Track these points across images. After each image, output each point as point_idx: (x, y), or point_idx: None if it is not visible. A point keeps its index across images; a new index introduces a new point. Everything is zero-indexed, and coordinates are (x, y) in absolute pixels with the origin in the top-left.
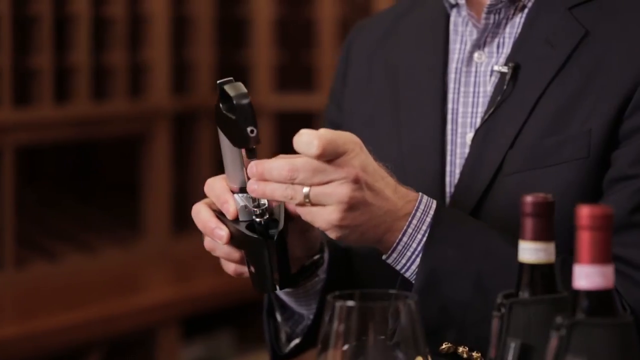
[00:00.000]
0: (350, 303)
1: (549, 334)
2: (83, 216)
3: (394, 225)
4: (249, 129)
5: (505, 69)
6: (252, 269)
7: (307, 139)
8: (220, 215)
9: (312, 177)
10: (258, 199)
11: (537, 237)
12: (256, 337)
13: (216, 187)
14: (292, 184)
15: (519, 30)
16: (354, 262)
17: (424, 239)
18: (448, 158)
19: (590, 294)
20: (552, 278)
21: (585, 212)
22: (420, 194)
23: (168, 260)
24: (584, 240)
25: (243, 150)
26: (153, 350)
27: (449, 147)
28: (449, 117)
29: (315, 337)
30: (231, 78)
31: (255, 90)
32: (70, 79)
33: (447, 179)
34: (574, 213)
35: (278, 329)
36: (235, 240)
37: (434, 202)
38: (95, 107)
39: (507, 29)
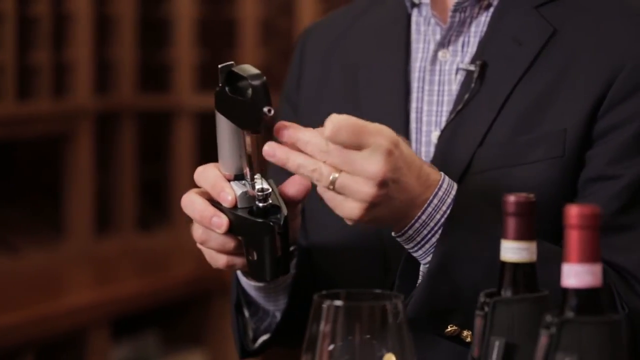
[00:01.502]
0: (338, 303)
1: (532, 332)
2: (5, 217)
3: (410, 213)
4: (266, 109)
5: (472, 67)
6: (254, 256)
7: (336, 124)
8: (214, 204)
9: (343, 163)
10: (262, 184)
11: (520, 236)
12: (182, 338)
13: (209, 175)
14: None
15: (485, 29)
16: (317, 259)
17: (443, 219)
18: None
19: (579, 292)
20: (533, 277)
21: (574, 212)
22: (442, 175)
23: (91, 261)
24: (573, 239)
25: (246, 136)
26: (83, 352)
27: (413, 146)
28: (413, 115)
29: (283, 334)
30: (232, 62)
31: (177, 90)
32: None
33: None
34: (549, 211)
35: (246, 325)
36: (235, 227)
37: (455, 184)
38: (19, 106)
39: (472, 28)
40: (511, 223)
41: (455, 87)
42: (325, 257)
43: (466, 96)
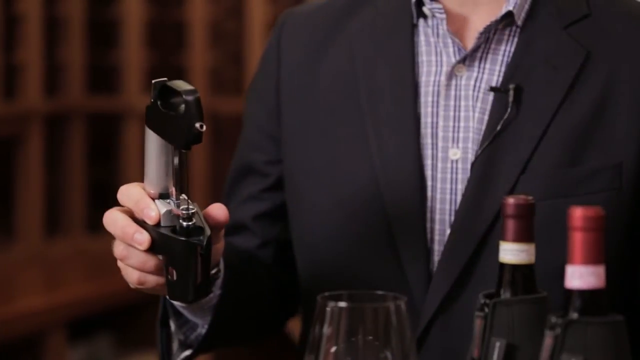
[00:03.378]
0: (341, 304)
1: (532, 333)
2: None
3: None
4: (198, 124)
5: (506, 89)
6: (174, 276)
7: None
8: (137, 223)
9: None
10: (188, 203)
11: (519, 238)
12: (135, 340)
13: (133, 193)
14: None
15: (512, 49)
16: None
17: None
18: (429, 173)
19: (583, 294)
20: (532, 278)
21: (578, 214)
22: None
23: (42, 263)
24: (577, 241)
25: (175, 153)
26: (40, 356)
27: (428, 162)
28: (427, 131)
29: (208, 345)
30: (166, 78)
31: (125, 91)
32: None
33: (428, 193)
34: (607, 246)
35: (170, 338)
36: (157, 246)
37: None
38: None
39: (493, 45)
40: (510, 225)
41: (478, 105)
42: (321, 239)
43: (502, 120)
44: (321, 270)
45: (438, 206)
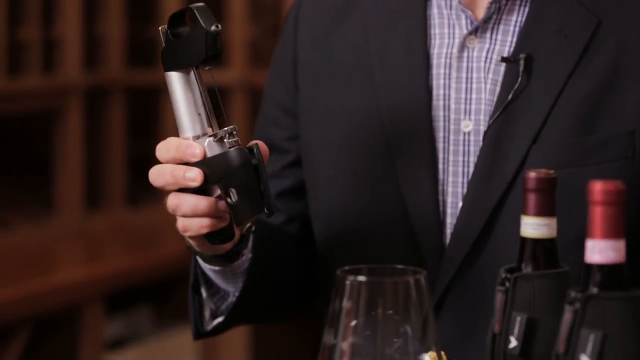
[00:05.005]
0: (361, 278)
1: (553, 307)
2: None
3: None
4: (213, 26)
5: (517, 59)
6: (235, 196)
7: None
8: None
9: None
10: (226, 126)
11: (540, 212)
12: (174, 314)
13: (170, 142)
14: None
15: (522, 19)
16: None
17: None
18: (440, 145)
19: (603, 268)
20: (554, 253)
21: (597, 188)
22: None
23: (81, 237)
24: (597, 215)
25: (200, 77)
26: (77, 328)
27: (441, 134)
28: (440, 102)
29: (239, 315)
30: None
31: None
32: None
33: (440, 165)
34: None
35: (202, 306)
36: (210, 175)
37: None
38: (8, 82)
39: (504, 16)
40: (531, 199)
41: (490, 76)
42: (336, 213)
43: (513, 90)
44: (336, 244)
45: (450, 179)
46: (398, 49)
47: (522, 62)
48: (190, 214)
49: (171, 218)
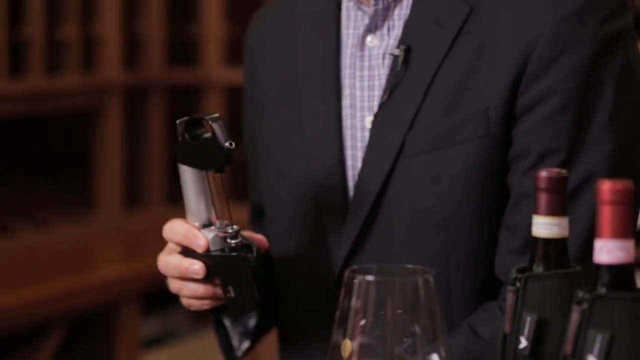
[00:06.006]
0: (369, 277)
1: (563, 307)
2: (36, 191)
3: None
4: (227, 143)
5: (397, 52)
6: (231, 293)
7: None
8: (186, 255)
9: None
10: (232, 224)
11: (551, 211)
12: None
13: (178, 228)
14: None
15: (408, 12)
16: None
17: None
18: (349, 142)
19: (611, 268)
20: (565, 253)
21: (606, 187)
22: None
23: (120, 235)
24: (605, 214)
25: (210, 178)
26: (114, 326)
27: (349, 132)
28: (347, 102)
29: (266, 326)
30: (187, 117)
31: (205, 64)
32: (23, 53)
33: (349, 162)
34: (480, 192)
35: (229, 336)
36: (211, 270)
37: None
38: (48, 81)
39: (396, 11)
40: (543, 198)
41: (384, 72)
42: (270, 215)
43: (393, 81)
44: (274, 242)
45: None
46: (316, 54)
47: (401, 54)
48: (191, 297)
49: None
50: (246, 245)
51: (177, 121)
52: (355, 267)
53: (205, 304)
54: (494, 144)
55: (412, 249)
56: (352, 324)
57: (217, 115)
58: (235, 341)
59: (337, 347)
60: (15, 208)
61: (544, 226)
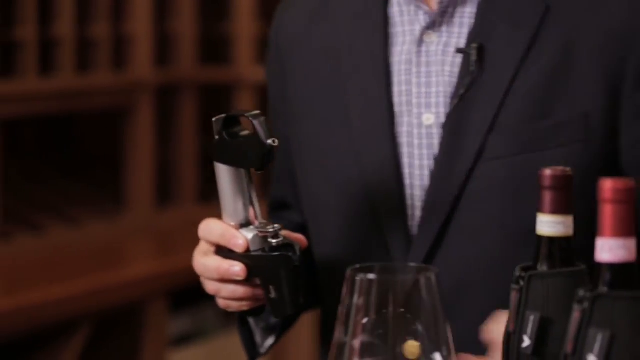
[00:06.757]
0: (371, 276)
1: (567, 306)
2: (67, 189)
3: None
4: (270, 140)
5: (470, 50)
6: (273, 293)
7: None
8: (224, 255)
9: None
10: (272, 223)
11: (556, 210)
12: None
13: (216, 227)
14: None
15: (473, 10)
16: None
17: None
18: (404, 140)
19: (612, 267)
20: (570, 251)
21: (607, 186)
22: None
23: (151, 233)
24: (607, 213)
25: (249, 177)
26: (141, 324)
27: (404, 129)
28: (402, 99)
29: (284, 330)
30: (224, 114)
31: (237, 63)
32: (54, 51)
33: (404, 160)
34: (578, 197)
35: (252, 333)
36: (251, 270)
37: None
38: (79, 79)
39: (459, 8)
40: (547, 197)
41: (447, 69)
42: (313, 212)
43: (467, 80)
44: (317, 241)
45: (417, 172)
46: (362, 49)
47: (474, 52)
48: (230, 298)
49: None
50: (287, 245)
51: (214, 119)
52: (357, 265)
53: (244, 305)
54: (594, 150)
55: (495, 255)
56: (354, 322)
57: (258, 112)
58: (258, 338)
59: (341, 346)
60: (47, 206)
61: (548, 225)
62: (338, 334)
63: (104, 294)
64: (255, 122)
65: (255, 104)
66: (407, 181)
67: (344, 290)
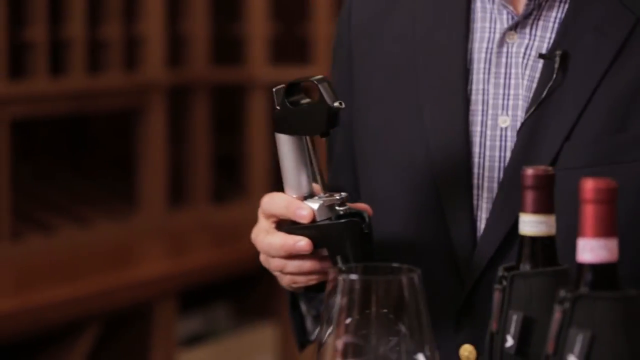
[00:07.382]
0: (354, 276)
1: (550, 306)
2: (78, 189)
3: None
4: (337, 102)
5: (552, 56)
6: (340, 263)
7: None
8: (287, 230)
9: None
10: (336, 192)
11: (538, 209)
12: (251, 311)
13: (279, 200)
14: None
15: (562, 15)
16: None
17: None
18: (477, 139)
19: (594, 268)
20: (552, 251)
21: (589, 186)
22: None
23: (164, 234)
24: (588, 213)
25: (312, 145)
26: (150, 324)
27: (478, 129)
28: (478, 97)
29: None
30: (283, 84)
31: (250, 63)
32: (65, 52)
33: (476, 159)
34: None
35: (303, 319)
36: (318, 241)
37: None
38: (90, 80)
39: (545, 12)
40: (529, 196)
41: (527, 72)
42: (378, 203)
43: (548, 86)
44: (380, 233)
45: (486, 174)
46: (441, 41)
47: (557, 59)
48: (297, 273)
49: (256, 215)
50: (355, 213)
51: (274, 89)
52: (342, 266)
53: (312, 279)
54: None
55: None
56: (337, 323)
57: (322, 76)
58: (309, 325)
59: (322, 345)
60: (59, 206)
61: (530, 224)
62: (321, 334)
63: (114, 294)
64: (321, 86)
65: (269, 104)
66: (475, 181)
67: (327, 290)
